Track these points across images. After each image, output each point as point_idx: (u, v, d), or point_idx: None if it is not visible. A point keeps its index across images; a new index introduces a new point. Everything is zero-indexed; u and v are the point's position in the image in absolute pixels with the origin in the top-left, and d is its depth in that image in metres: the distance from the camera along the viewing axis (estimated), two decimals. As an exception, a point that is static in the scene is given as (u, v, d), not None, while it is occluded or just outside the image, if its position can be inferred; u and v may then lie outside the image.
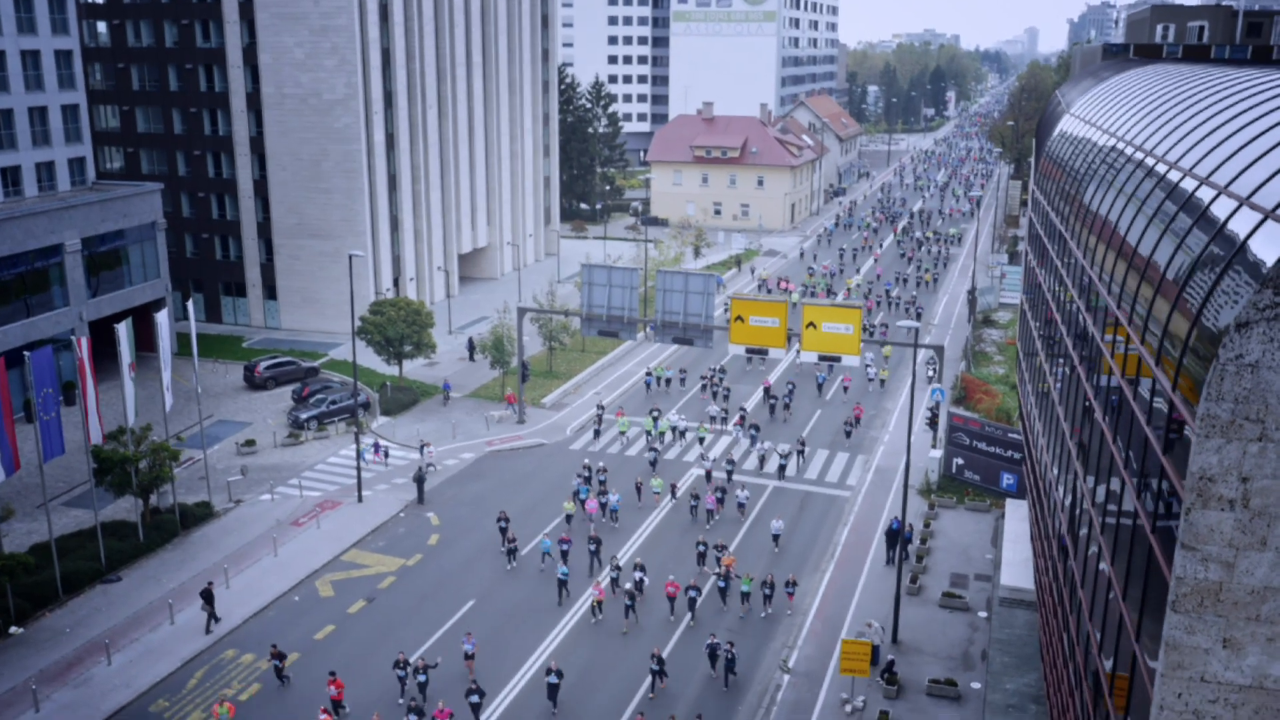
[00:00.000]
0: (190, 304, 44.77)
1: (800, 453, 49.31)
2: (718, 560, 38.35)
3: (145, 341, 57.28)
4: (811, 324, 48.37)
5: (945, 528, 43.85)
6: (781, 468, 47.60)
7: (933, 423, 50.34)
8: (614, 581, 37.55)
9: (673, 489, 45.81)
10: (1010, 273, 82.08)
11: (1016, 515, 43.05)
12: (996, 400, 53.50)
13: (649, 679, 32.19)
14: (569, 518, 42.82)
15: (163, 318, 41.61)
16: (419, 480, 45.53)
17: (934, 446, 49.19)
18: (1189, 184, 14.21)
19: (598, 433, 52.84)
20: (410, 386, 58.93)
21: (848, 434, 52.83)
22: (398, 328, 55.71)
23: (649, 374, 60.42)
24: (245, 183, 71.34)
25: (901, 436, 52.66)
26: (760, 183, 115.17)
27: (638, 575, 36.65)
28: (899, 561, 36.55)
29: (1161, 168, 16.04)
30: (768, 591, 36.67)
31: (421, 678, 30.75)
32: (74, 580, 37.54)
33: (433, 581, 39.16)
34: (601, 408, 54.70)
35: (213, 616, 35.64)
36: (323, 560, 40.61)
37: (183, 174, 72.73)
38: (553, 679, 30.43)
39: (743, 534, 43.07)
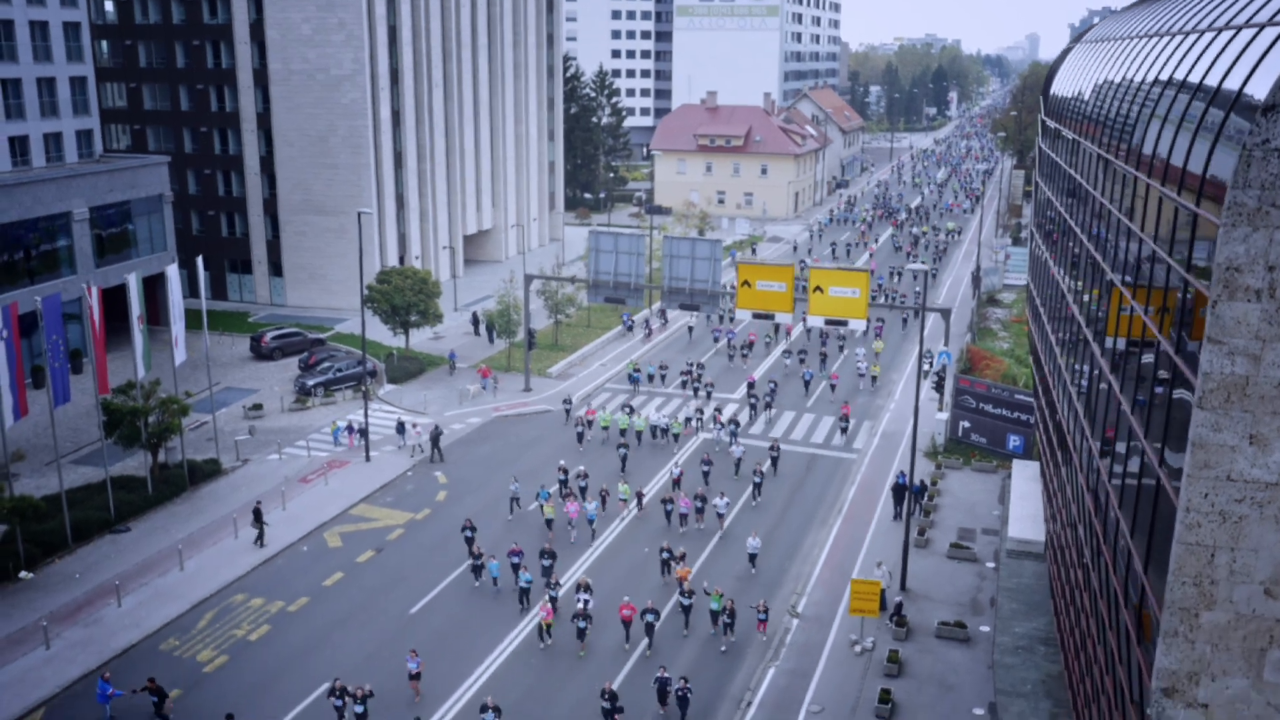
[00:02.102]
0: (200, 260, 44.79)
1: (774, 459, 44.68)
2: (673, 571, 34.66)
3: (150, 315, 57.34)
4: (819, 288, 48.38)
5: (952, 487, 43.90)
6: (756, 485, 42.26)
7: (939, 386, 50.38)
8: (553, 601, 32.80)
9: (639, 497, 41.04)
10: (1015, 254, 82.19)
11: (1024, 475, 43.12)
12: (1003, 367, 53.60)
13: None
14: (549, 522, 38.68)
15: (172, 271, 41.73)
16: (435, 438, 45.73)
17: (940, 410, 49.23)
18: (1207, 36, 14.32)
19: (581, 436, 47.54)
20: (416, 357, 59.04)
21: (843, 430, 49.46)
22: (405, 296, 55.81)
23: (636, 370, 56.32)
24: (252, 159, 71.51)
25: (907, 403, 52.73)
26: (764, 171, 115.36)
27: (582, 598, 32.13)
28: (906, 513, 36.52)
29: (1177, 37, 16.15)
30: (728, 620, 31.69)
31: (359, 708, 26.82)
32: (83, 529, 37.64)
33: (441, 534, 39.19)
34: (568, 402, 51.11)
35: (262, 534, 37.61)
36: (331, 514, 40.70)
37: (189, 151, 72.91)
38: (489, 717, 26.27)
39: (713, 545, 38.48)
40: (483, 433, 49.81)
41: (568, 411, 50.72)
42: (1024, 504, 40.52)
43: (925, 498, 41.70)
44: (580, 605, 31.80)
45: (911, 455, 36.30)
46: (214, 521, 39.62)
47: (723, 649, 31.55)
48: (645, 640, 31.52)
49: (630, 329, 67.76)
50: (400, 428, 47.56)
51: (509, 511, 40.58)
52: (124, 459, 44.56)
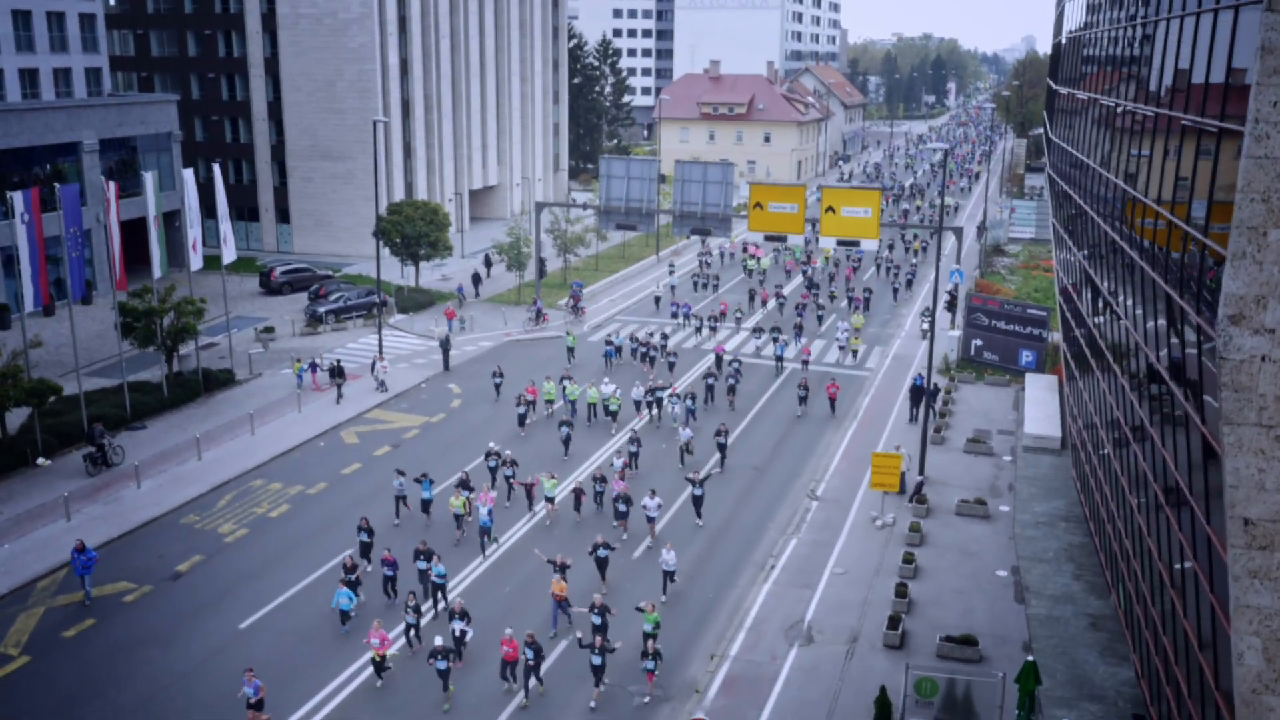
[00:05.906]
0: (216, 168, 44.78)
1: (722, 447, 36.21)
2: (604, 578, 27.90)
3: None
4: (830, 209, 48.54)
5: (966, 398, 44.00)
6: (696, 499, 31.99)
7: (951, 305, 50.44)
8: (412, 630, 24.91)
9: (577, 495, 32.22)
10: (1021, 207, 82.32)
11: (1038, 385, 43.31)
12: (1012, 294, 53.69)
13: None
14: (458, 517, 30.57)
15: (188, 175, 41.69)
16: (444, 347, 45.76)
17: (952, 328, 49.30)
18: None
19: (523, 418, 39.46)
20: (426, 291, 59.09)
21: (801, 399, 42.18)
22: (415, 226, 55.82)
23: (609, 343, 47.93)
24: (259, 105, 71.48)
25: (916, 330, 52.79)
26: (767, 139, 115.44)
27: (457, 626, 24.06)
28: (925, 409, 36.55)
29: None
30: (597, 661, 22.89)
31: None
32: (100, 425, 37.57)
33: (457, 433, 39.22)
34: (499, 375, 43.58)
35: (341, 390, 41.11)
36: (347, 416, 40.76)
37: (196, 98, 72.87)
38: None
39: (640, 555, 30.05)
40: (495, 354, 49.81)
41: (497, 386, 43.38)
42: (1039, 409, 40.72)
43: (940, 402, 41.77)
44: (440, 642, 22.80)
45: (929, 359, 36.38)
46: (230, 421, 39.62)
47: (591, 706, 23.06)
48: (533, 683, 23.12)
49: (577, 305, 57.40)
50: (372, 366, 44.00)
51: (395, 515, 31.92)
52: (139, 371, 44.51)
